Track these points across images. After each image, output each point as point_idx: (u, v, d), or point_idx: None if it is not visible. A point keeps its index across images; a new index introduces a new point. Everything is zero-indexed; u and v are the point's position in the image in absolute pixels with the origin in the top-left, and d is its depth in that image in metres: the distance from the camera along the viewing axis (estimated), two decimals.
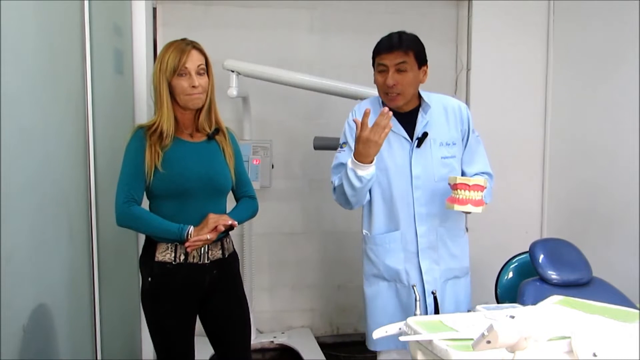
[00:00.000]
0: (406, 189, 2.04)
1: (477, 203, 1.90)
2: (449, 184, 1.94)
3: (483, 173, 2.11)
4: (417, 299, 1.95)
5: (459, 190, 1.90)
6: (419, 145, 2.03)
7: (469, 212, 1.94)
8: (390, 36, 2.02)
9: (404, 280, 2.07)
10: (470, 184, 1.88)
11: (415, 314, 1.91)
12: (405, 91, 2.00)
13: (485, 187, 1.92)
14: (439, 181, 2.03)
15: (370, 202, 2.11)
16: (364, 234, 2.17)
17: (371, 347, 2.15)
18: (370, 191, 2.07)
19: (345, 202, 2.05)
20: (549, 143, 3.42)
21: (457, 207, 1.90)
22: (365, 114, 1.82)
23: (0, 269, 1.41)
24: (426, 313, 2.01)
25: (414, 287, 2.01)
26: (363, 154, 1.86)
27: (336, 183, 2.04)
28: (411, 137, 2.05)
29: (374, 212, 2.10)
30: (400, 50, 1.97)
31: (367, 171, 1.89)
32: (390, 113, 1.85)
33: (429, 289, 2.05)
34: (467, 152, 2.11)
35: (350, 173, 1.91)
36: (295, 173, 3.42)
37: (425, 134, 2.03)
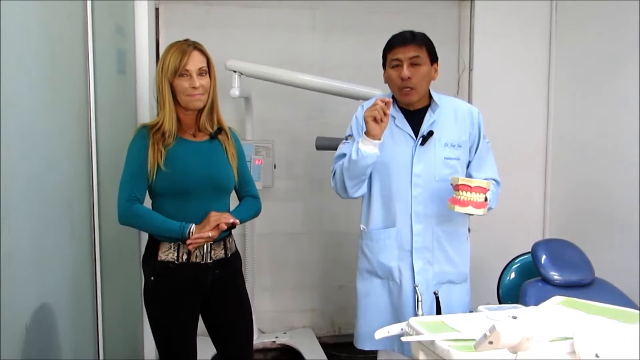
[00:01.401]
0: (405, 186, 2.04)
1: (478, 205, 1.88)
2: (451, 184, 1.93)
3: (490, 179, 2.07)
4: (420, 299, 1.95)
5: (460, 192, 1.88)
6: (422, 144, 2.03)
7: (471, 214, 1.93)
8: (402, 33, 2.06)
9: (396, 278, 2.07)
10: (472, 185, 1.87)
11: (417, 314, 1.91)
12: (419, 85, 2.01)
13: (488, 189, 1.90)
14: (439, 181, 2.02)
15: (369, 196, 2.12)
16: (361, 228, 2.17)
17: (358, 346, 2.14)
18: (370, 186, 2.09)
19: (340, 183, 2.06)
20: (551, 143, 3.41)
21: (458, 209, 1.88)
22: (383, 100, 1.89)
23: (2, 268, 1.42)
24: (415, 314, 1.99)
25: (416, 287, 2.00)
26: (367, 129, 1.93)
27: (337, 169, 2.08)
28: (417, 134, 2.05)
29: (372, 207, 2.11)
30: (414, 44, 2.01)
31: (366, 147, 1.93)
32: (390, 100, 1.90)
33: (420, 289, 2.00)
34: (477, 158, 2.09)
35: (354, 146, 1.97)
36: (297, 173, 3.42)
37: (430, 133, 2.03)
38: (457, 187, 1.89)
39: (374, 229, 2.11)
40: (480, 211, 1.89)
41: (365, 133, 1.94)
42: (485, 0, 3.34)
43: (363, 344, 2.13)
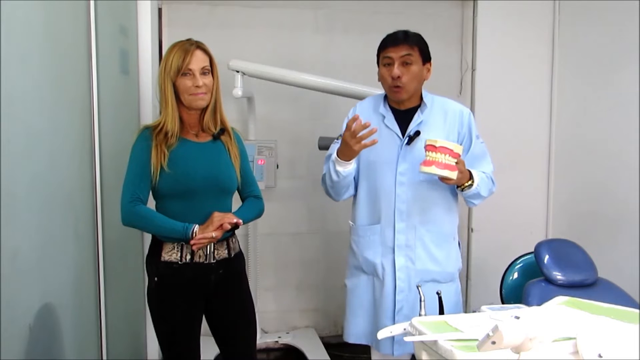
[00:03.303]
0: (390, 184, 2.08)
1: (443, 166, 1.86)
2: (424, 146, 1.93)
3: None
4: (422, 299, 1.94)
5: (427, 152, 1.88)
6: (409, 143, 2.06)
7: (439, 176, 1.89)
8: (395, 32, 2.09)
9: (379, 275, 2.11)
10: (437, 145, 1.86)
11: (420, 314, 1.91)
12: (410, 84, 2.04)
13: (459, 154, 1.89)
14: (424, 181, 2.05)
15: (357, 194, 2.17)
16: (350, 224, 2.21)
17: (345, 339, 2.23)
18: (356, 183, 2.14)
19: (327, 191, 2.16)
20: (554, 143, 3.41)
21: (423, 168, 1.88)
22: (354, 119, 1.90)
23: (4, 268, 1.42)
24: (394, 311, 2.05)
25: (419, 288, 1.99)
26: (343, 152, 1.97)
27: (325, 176, 2.14)
28: (404, 134, 2.08)
29: (359, 204, 2.16)
30: (406, 43, 2.04)
31: (343, 167, 2.01)
32: (373, 127, 1.91)
33: (400, 285, 2.07)
34: (469, 158, 2.08)
35: (331, 165, 2.04)
36: (300, 173, 3.42)
37: (417, 133, 2.05)
38: (425, 149, 1.89)
39: (360, 225, 2.16)
40: (445, 172, 1.87)
41: (337, 154, 1.98)
42: (489, 0, 3.33)
43: (347, 338, 2.21)
